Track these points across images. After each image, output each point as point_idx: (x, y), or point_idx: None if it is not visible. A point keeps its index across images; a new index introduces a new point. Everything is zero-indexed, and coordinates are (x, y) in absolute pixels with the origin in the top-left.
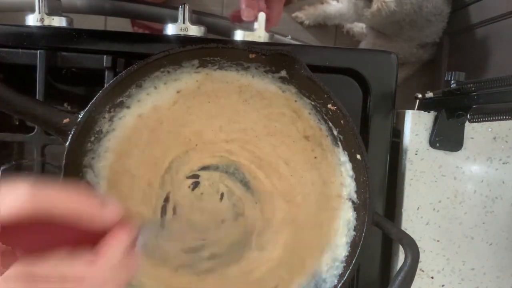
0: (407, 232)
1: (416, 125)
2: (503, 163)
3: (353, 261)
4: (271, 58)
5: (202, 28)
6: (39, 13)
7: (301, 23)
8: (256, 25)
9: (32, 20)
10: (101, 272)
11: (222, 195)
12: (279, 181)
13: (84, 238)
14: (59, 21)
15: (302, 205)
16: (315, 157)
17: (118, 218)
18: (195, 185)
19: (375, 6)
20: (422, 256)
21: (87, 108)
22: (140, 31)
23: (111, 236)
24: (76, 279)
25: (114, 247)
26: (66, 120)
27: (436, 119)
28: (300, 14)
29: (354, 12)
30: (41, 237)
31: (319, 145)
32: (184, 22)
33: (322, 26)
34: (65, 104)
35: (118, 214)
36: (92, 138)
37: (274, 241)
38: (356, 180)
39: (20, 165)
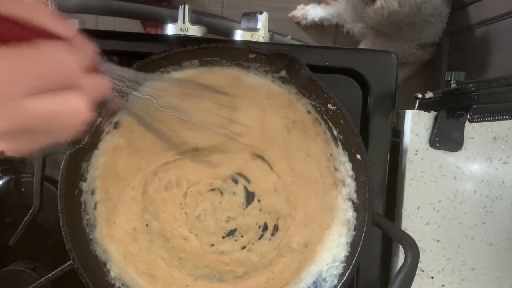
0: (407, 232)
1: (416, 125)
2: (503, 163)
3: (353, 261)
4: (271, 58)
5: (202, 28)
6: None
7: (298, 23)
8: (257, 25)
9: None
10: (60, 55)
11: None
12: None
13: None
14: None
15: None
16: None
17: (73, 34)
18: None
19: (378, 3)
20: (422, 256)
21: None
22: (153, 31)
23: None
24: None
25: (74, 43)
26: None
27: (436, 119)
28: (297, 14)
29: (352, 13)
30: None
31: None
32: (184, 22)
33: (321, 26)
34: None
35: (74, 30)
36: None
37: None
38: (356, 180)
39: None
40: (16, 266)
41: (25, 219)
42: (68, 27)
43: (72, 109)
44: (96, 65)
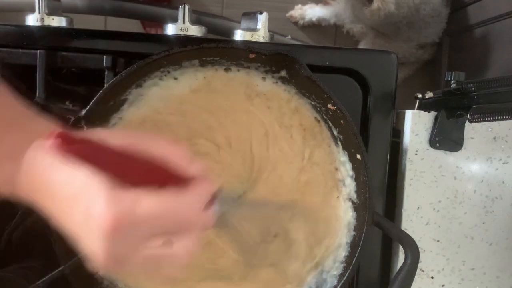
0: (407, 232)
1: (416, 125)
2: (503, 163)
3: (353, 261)
4: (271, 58)
5: (202, 28)
6: (39, 13)
7: (296, 23)
8: (257, 25)
9: (32, 20)
10: (187, 206)
11: None
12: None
13: (170, 180)
14: (59, 21)
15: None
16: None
17: (201, 174)
18: None
19: (375, 4)
20: (422, 256)
21: (87, 108)
22: (153, 31)
23: (195, 181)
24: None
25: (199, 189)
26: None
27: (436, 119)
28: (295, 14)
29: (351, 13)
30: (137, 170)
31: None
32: (184, 22)
33: (321, 26)
34: (67, 102)
35: (202, 170)
36: None
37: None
38: (356, 180)
39: None
40: (5, 272)
41: (14, 221)
42: (195, 168)
43: (184, 252)
44: (211, 202)
